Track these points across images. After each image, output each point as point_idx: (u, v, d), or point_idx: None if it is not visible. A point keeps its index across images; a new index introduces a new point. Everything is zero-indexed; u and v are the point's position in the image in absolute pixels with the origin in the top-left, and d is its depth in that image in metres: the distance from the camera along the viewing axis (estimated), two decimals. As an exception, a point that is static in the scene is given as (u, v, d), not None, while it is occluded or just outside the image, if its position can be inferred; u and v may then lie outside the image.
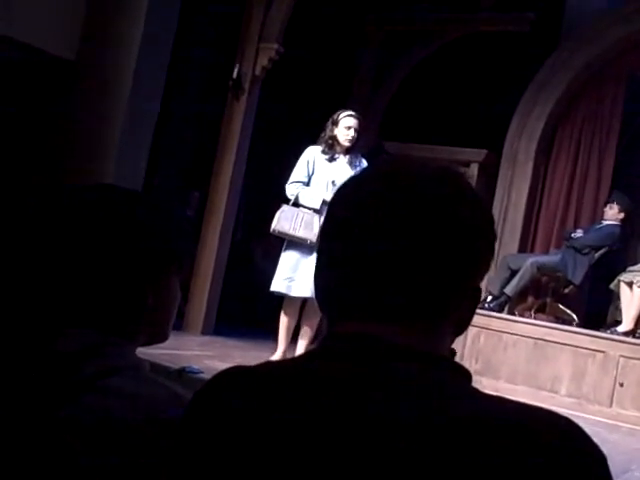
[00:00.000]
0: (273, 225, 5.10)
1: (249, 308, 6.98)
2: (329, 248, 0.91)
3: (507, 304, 6.65)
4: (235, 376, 0.90)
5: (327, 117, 5.18)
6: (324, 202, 5.04)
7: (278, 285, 5.08)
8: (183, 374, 4.36)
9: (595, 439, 0.78)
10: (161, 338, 1.19)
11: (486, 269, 0.90)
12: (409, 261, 0.85)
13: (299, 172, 5.17)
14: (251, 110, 6.72)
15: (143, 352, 1.14)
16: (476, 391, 0.82)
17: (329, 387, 0.82)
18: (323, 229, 0.93)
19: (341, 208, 0.91)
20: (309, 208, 5.08)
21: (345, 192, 0.92)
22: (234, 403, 0.85)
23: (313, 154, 5.17)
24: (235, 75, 6.60)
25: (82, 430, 0.98)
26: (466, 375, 0.85)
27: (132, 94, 5.10)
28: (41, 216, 1.12)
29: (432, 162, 0.92)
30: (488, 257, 0.90)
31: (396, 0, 7.83)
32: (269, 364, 0.92)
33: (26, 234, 1.12)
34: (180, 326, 6.29)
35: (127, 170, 5.08)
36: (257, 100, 6.78)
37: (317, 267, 0.92)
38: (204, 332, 6.47)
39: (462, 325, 0.91)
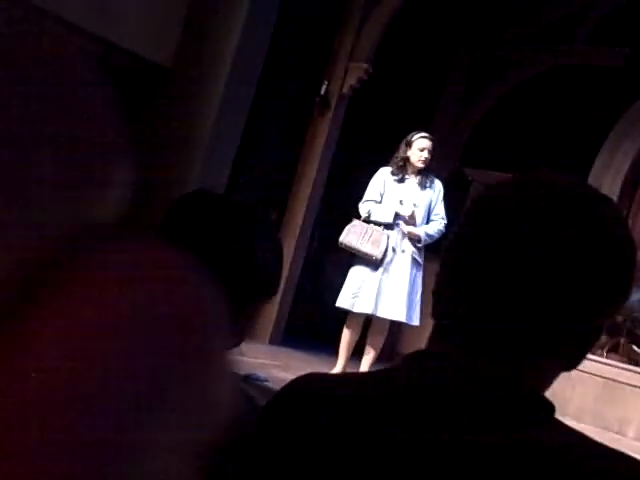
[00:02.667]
0: (341, 238, 5.16)
1: (318, 321, 7.03)
2: (457, 253, 0.84)
3: (579, 341, 6.51)
4: (314, 382, 0.89)
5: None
6: (396, 215, 5.09)
7: (344, 301, 5.12)
8: (249, 381, 4.44)
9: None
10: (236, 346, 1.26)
11: (623, 302, 0.82)
12: (541, 289, 0.76)
13: (372, 192, 5.23)
14: (336, 127, 6.78)
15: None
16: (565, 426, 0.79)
17: (413, 405, 0.78)
18: (458, 235, 0.85)
19: (476, 220, 0.84)
20: (380, 225, 5.12)
21: (485, 205, 0.84)
22: (313, 408, 0.83)
23: (383, 175, 5.23)
24: (323, 92, 6.68)
25: None
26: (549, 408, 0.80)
27: (222, 104, 5.23)
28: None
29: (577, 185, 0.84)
30: (629, 289, 0.81)
31: (490, 27, 7.79)
32: (348, 375, 0.91)
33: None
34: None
35: (210, 180, 5.20)
36: (342, 118, 6.85)
37: (441, 270, 0.85)
38: (272, 342, 6.53)
39: (573, 363, 0.83)
